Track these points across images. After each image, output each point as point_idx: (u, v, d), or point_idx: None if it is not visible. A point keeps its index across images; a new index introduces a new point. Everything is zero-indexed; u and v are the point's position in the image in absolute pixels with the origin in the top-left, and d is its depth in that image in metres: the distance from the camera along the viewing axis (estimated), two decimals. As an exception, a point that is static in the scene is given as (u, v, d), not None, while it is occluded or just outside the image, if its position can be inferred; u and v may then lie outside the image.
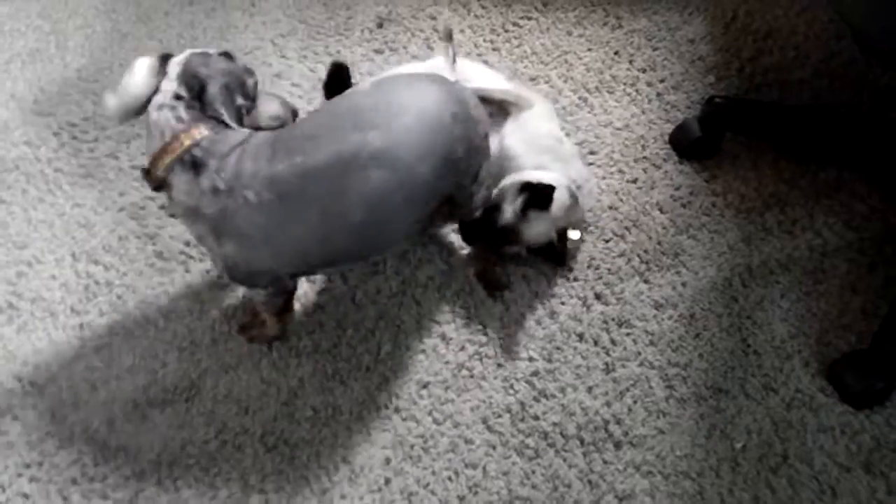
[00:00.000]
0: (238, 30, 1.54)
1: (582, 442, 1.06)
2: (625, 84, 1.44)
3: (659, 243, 1.23)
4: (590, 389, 1.10)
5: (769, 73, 1.45)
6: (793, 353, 1.13)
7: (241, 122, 1.01)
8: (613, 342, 1.14)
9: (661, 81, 1.45)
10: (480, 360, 1.12)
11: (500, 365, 1.12)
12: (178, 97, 0.97)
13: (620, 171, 1.32)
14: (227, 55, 1.04)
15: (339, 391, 1.11)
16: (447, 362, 1.12)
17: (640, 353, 1.13)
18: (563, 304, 1.17)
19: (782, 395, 1.10)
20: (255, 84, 1.05)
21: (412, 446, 1.07)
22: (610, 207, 1.28)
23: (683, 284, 1.19)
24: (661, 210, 1.27)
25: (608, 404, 1.09)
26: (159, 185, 0.97)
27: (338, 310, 1.17)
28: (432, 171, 0.95)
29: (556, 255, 1.19)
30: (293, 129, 0.99)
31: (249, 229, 0.94)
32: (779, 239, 1.23)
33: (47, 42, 1.55)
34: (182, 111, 0.96)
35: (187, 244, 1.25)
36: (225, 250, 0.96)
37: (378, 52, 1.49)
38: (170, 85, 0.98)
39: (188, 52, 1.02)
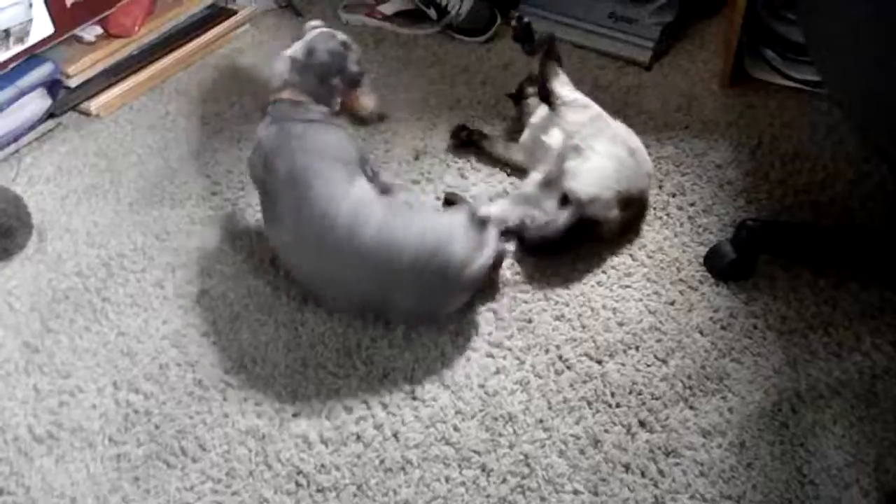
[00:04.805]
0: (281, 164, 1.62)
1: (634, 583, 1.00)
2: (655, 208, 1.47)
3: (702, 367, 1.21)
4: (639, 524, 1.05)
5: (800, 195, 1.47)
6: (851, 483, 1.07)
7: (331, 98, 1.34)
8: (661, 473, 1.09)
9: (692, 205, 1.47)
10: (523, 493, 1.08)
11: (543, 499, 1.08)
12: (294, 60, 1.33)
13: (657, 293, 1.33)
14: (345, 45, 1.37)
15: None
16: (488, 496, 1.08)
17: (690, 485, 1.08)
18: (606, 431, 1.14)
19: (845, 529, 1.03)
20: (360, 74, 1.40)
21: (454, 587, 1.01)
22: (651, 329, 1.27)
23: (731, 410, 1.15)
24: (701, 333, 1.26)
25: (660, 540, 1.04)
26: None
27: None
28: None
29: None
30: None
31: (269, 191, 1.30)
32: (826, 362, 1.20)
33: (102, 178, 1.64)
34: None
35: (226, 372, 1.26)
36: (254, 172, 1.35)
37: (415, 182, 1.55)
38: (297, 46, 1.35)
39: (321, 29, 1.39)
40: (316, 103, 1.32)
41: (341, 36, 1.39)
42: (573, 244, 1.36)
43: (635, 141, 1.44)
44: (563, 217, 1.32)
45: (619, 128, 1.45)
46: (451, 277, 1.21)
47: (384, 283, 1.22)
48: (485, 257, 1.24)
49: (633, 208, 1.39)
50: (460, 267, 1.20)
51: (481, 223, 1.25)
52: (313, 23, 1.43)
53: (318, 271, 1.27)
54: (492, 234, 1.26)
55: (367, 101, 1.47)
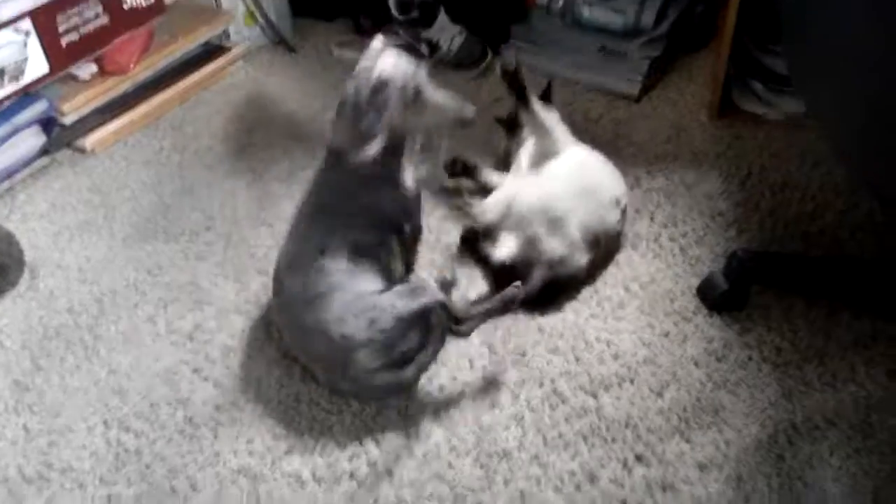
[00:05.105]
0: (276, 198, 1.63)
1: None
2: (647, 240, 1.48)
3: (697, 399, 1.20)
4: (637, 561, 1.04)
5: (790, 225, 1.48)
6: (850, 516, 1.07)
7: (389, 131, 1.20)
8: (659, 508, 1.08)
9: (684, 236, 1.48)
10: (519, 530, 1.07)
11: (539, 535, 1.07)
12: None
13: (651, 325, 1.32)
14: (378, 85, 1.19)
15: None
16: (484, 532, 1.07)
17: (687, 521, 1.07)
18: (602, 466, 1.13)
19: (845, 564, 1.02)
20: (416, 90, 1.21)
21: None
22: (645, 361, 1.26)
23: (727, 443, 1.15)
24: (696, 365, 1.26)
25: (658, 578, 1.02)
26: None
27: None
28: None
29: None
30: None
31: None
32: (821, 393, 1.20)
33: (96, 214, 1.64)
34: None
35: (218, 409, 1.25)
36: None
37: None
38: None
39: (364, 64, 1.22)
40: (357, 153, 1.21)
41: (380, 66, 1.20)
42: (553, 297, 1.36)
43: (594, 171, 1.44)
44: (535, 279, 1.32)
45: (573, 168, 1.44)
46: (350, 378, 1.20)
47: (300, 343, 1.26)
48: (398, 376, 1.19)
49: (603, 244, 1.38)
50: (363, 372, 1.18)
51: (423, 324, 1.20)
52: (373, 45, 1.25)
53: (275, 300, 1.31)
54: (423, 356, 1.21)
55: (430, 115, 1.24)
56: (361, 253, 1.23)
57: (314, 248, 1.22)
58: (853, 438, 1.14)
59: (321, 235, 1.23)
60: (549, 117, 1.54)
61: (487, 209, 1.39)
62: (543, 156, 1.49)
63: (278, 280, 1.27)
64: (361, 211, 1.25)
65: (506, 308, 1.23)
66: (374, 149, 1.20)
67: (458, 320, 1.22)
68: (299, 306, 1.22)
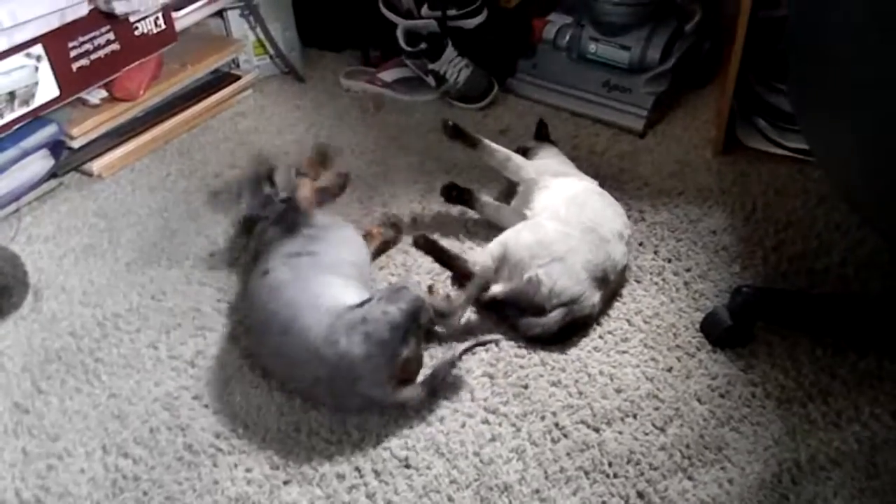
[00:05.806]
0: (280, 225, 1.63)
1: None
2: (651, 273, 1.48)
3: (701, 436, 1.19)
4: None
5: (794, 262, 1.48)
6: (855, 558, 1.05)
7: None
8: (661, 547, 1.07)
9: (688, 271, 1.48)
10: (519, 566, 1.06)
11: (540, 572, 1.05)
12: None
13: (654, 360, 1.32)
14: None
15: None
16: (483, 568, 1.06)
17: (690, 560, 1.05)
18: (604, 502, 1.11)
19: None
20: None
21: None
22: (648, 396, 1.26)
23: (730, 481, 1.13)
24: (699, 401, 1.25)
25: None
26: None
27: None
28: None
29: None
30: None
31: None
32: (825, 432, 1.19)
33: (101, 238, 1.65)
34: None
35: (217, 436, 1.24)
36: None
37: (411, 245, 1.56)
38: None
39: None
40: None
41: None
42: (567, 337, 1.35)
43: (593, 206, 1.44)
44: (554, 319, 1.32)
45: (569, 205, 1.43)
46: (360, 394, 1.20)
47: (296, 373, 1.26)
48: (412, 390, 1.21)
49: (612, 281, 1.38)
50: (373, 386, 1.19)
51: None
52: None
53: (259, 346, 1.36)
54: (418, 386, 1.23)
55: (308, 190, 1.49)
56: (295, 258, 1.33)
57: (259, 276, 1.33)
58: (857, 479, 1.13)
59: (261, 264, 1.35)
60: (542, 151, 1.58)
61: (480, 260, 1.40)
62: (526, 192, 1.51)
63: (250, 321, 1.36)
64: (275, 228, 1.41)
65: (483, 290, 1.35)
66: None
67: (443, 315, 1.29)
68: (277, 335, 1.24)
